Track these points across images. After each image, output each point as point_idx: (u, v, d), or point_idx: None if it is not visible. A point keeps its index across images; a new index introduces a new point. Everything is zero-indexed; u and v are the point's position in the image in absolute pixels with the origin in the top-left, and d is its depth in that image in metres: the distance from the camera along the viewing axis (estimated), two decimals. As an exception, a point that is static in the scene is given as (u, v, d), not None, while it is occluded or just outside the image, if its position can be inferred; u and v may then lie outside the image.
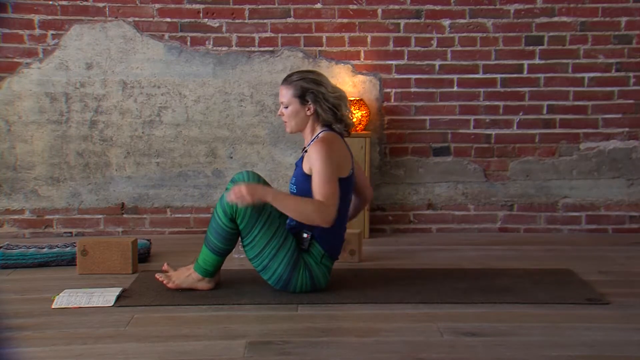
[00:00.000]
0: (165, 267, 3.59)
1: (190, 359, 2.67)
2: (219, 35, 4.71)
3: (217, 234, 3.34)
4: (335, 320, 3.11)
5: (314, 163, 3.30)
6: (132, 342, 2.83)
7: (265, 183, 3.47)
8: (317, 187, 3.26)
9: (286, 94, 3.41)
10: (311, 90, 3.37)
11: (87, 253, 3.78)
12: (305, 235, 3.36)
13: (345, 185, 3.38)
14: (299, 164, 3.44)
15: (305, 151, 3.41)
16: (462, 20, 4.73)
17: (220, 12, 4.71)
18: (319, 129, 3.43)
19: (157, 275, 3.48)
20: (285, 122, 3.45)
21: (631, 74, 4.76)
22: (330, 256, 3.43)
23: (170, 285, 3.45)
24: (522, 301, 3.31)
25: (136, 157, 4.75)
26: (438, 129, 4.79)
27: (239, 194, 3.20)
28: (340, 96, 3.43)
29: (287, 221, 3.45)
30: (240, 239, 3.40)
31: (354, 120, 4.53)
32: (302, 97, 3.38)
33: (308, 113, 3.41)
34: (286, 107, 3.42)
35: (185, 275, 3.45)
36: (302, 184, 3.37)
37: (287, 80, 3.43)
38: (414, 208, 4.84)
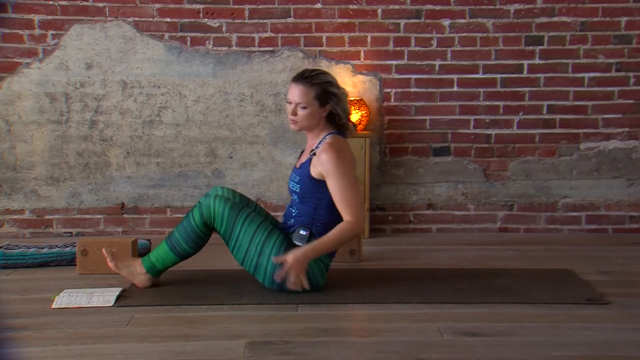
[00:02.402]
0: (103, 251, 3.55)
1: (190, 359, 2.67)
2: (219, 35, 4.71)
3: (187, 235, 3.37)
4: (335, 320, 3.11)
5: (330, 173, 3.31)
6: (132, 342, 2.83)
7: (242, 197, 3.53)
8: (344, 202, 3.30)
9: (306, 95, 3.35)
10: (333, 93, 3.38)
11: (87, 253, 3.78)
12: (303, 232, 3.37)
13: None
14: (306, 165, 3.42)
15: (313, 154, 3.40)
16: (462, 20, 4.73)
17: (220, 12, 4.71)
18: (325, 131, 3.44)
19: (104, 250, 3.51)
20: (296, 121, 3.40)
21: (631, 74, 4.75)
22: (329, 254, 3.43)
23: (110, 264, 3.48)
24: (522, 301, 3.31)
25: (136, 157, 4.75)
26: (438, 129, 4.79)
27: (295, 282, 3.28)
28: (347, 95, 3.48)
29: (283, 220, 3.47)
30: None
31: (355, 120, 4.54)
32: (323, 99, 3.37)
33: (324, 114, 3.42)
34: (304, 108, 3.37)
35: (129, 263, 3.48)
36: (308, 186, 3.39)
37: (306, 80, 3.37)
38: (414, 208, 4.84)
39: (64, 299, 3.27)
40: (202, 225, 3.35)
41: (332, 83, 3.40)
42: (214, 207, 3.32)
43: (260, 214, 3.51)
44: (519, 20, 4.73)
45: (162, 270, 3.47)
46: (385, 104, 4.76)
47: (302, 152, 3.62)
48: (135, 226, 4.77)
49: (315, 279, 3.39)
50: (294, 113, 3.38)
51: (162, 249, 3.42)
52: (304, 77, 3.38)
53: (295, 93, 3.37)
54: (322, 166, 3.32)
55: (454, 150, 4.80)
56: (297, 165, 3.52)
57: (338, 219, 3.36)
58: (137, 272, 3.45)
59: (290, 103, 3.40)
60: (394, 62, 4.75)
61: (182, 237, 3.39)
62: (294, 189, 3.45)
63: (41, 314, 3.15)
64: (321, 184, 3.36)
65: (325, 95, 3.37)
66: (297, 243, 3.36)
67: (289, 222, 3.43)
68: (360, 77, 4.74)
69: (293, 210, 3.45)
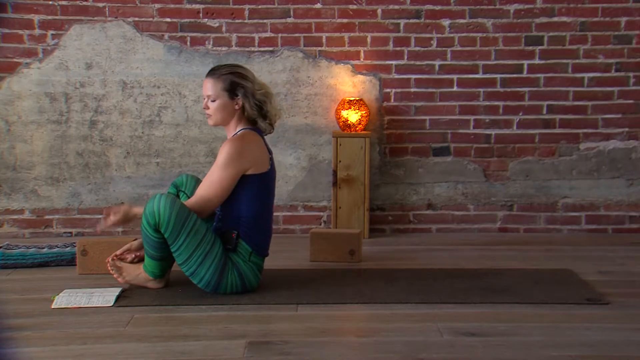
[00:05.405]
0: (109, 269, 3.49)
1: (190, 359, 2.67)
2: (219, 35, 4.71)
3: (148, 244, 3.35)
4: (335, 320, 3.12)
5: (217, 160, 3.31)
6: (132, 342, 2.83)
7: None
8: (206, 184, 3.32)
9: (214, 87, 3.37)
10: (241, 85, 3.36)
11: (87, 253, 3.78)
12: (230, 235, 3.36)
13: (265, 181, 3.41)
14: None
15: None
16: (462, 20, 4.73)
17: (220, 12, 4.71)
18: (241, 126, 3.42)
19: (109, 267, 3.47)
20: (210, 115, 3.42)
21: (631, 74, 4.75)
22: (259, 253, 3.41)
23: (120, 280, 3.47)
24: (522, 301, 3.32)
25: (136, 157, 4.75)
26: (438, 129, 4.79)
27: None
28: (266, 93, 3.43)
29: (214, 224, 3.45)
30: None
31: (354, 120, 4.54)
32: (231, 91, 3.36)
33: (236, 107, 3.39)
34: (213, 101, 3.38)
35: (136, 274, 3.47)
36: None
37: (215, 73, 3.40)
38: (414, 208, 4.84)
39: (64, 299, 3.27)
40: (155, 232, 3.29)
41: (242, 75, 3.38)
42: (158, 212, 3.23)
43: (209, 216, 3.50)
44: (519, 20, 4.73)
45: (163, 273, 3.46)
46: (385, 104, 4.76)
47: None
48: (135, 226, 4.74)
49: (248, 280, 3.38)
50: (206, 107, 3.42)
51: (146, 258, 3.43)
52: (214, 70, 3.43)
53: (206, 86, 3.41)
54: (219, 153, 3.33)
55: (453, 150, 4.80)
56: None
57: (261, 213, 3.38)
58: (145, 279, 3.46)
59: (204, 98, 3.44)
60: (394, 62, 4.75)
61: (147, 245, 3.37)
62: None
63: (41, 314, 3.15)
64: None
65: (233, 87, 3.36)
66: (229, 247, 3.35)
67: (217, 225, 3.43)
68: (360, 77, 4.74)
69: (218, 213, 3.45)
